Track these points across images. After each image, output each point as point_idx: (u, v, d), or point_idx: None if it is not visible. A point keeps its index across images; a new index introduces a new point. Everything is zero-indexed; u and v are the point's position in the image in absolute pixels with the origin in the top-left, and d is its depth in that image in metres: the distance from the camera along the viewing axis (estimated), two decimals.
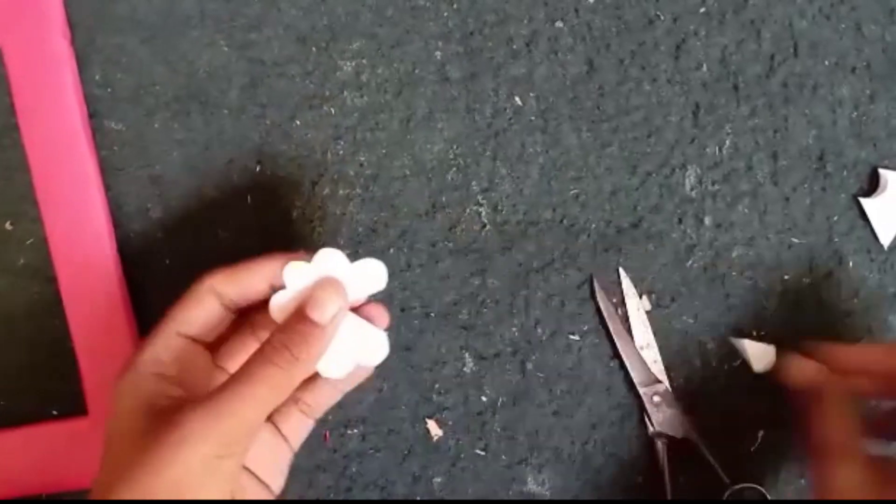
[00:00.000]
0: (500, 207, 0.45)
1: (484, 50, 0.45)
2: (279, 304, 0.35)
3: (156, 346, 0.35)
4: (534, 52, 0.45)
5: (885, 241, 0.45)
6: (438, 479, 0.45)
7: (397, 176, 0.45)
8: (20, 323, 0.43)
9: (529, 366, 0.45)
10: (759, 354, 0.45)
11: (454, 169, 0.45)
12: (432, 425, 0.45)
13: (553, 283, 0.45)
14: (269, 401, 0.32)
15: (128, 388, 0.34)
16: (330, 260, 0.35)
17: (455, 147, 0.45)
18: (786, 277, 0.46)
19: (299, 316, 0.34)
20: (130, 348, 0.42)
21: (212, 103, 0.44)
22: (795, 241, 0.46)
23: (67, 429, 0.43)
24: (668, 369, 0.45)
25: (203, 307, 0.36)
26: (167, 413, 0.31)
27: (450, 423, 0.45)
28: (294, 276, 0.35)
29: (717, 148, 0.46)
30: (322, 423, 0.44)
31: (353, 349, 0.36)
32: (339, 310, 0.34)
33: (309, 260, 0.35)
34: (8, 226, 0.43)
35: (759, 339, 0.45)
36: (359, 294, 0.36)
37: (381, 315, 0.37)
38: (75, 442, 0.43)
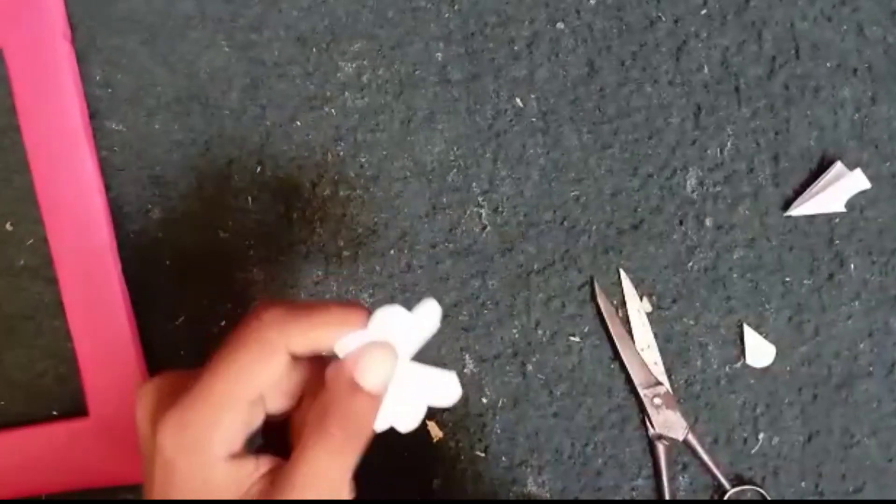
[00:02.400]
0: (500, 209, 0.45)
1: (485, 51, 0.45)
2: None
3: (229, 426, 0.31)
4: (535, 53, 0.45)
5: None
6: (438, 481, 0.45)
7: (398, 177, 0.45)
8: (20, 323, 0.43)
9: (530, 367, 0.45)
10: (758, 350, 0.45)
11: (455, 170, 0.45)
12: (433, 427, 0.45)
13: (553, 285, 0.45)
14: (338, 479, 0.31)
15: (196, 471, 0.30)
16: (388, 318, 0.32)
17: (455, 148, 0.45)
18: (787, 279, 0.46)
19: (347, 388, 0.31)
20: (130, 349, 0.42)
21: (212, 104, 0.44)
22: (796, 242, 0.46)
23: (67, 429, 0.43)
24: (668, 371, 0.45)
25: (275, 368, 0.31)
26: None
27: (450, 424, 0.45)
28: (350, 346, 0.32)
29: (718, 149, 0.45)
30: None
31: (421, 395, 0.34)
32: (391, 374, 0.32)
33: (365, 322, 0.32)
34: (8, 226, 0.43)
35: None
36: (419, 340, 0.33)
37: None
38: (75, 442, 0.43)
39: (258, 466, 0.32)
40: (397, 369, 0.33)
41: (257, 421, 0.32)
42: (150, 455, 0.31)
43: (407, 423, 0.34)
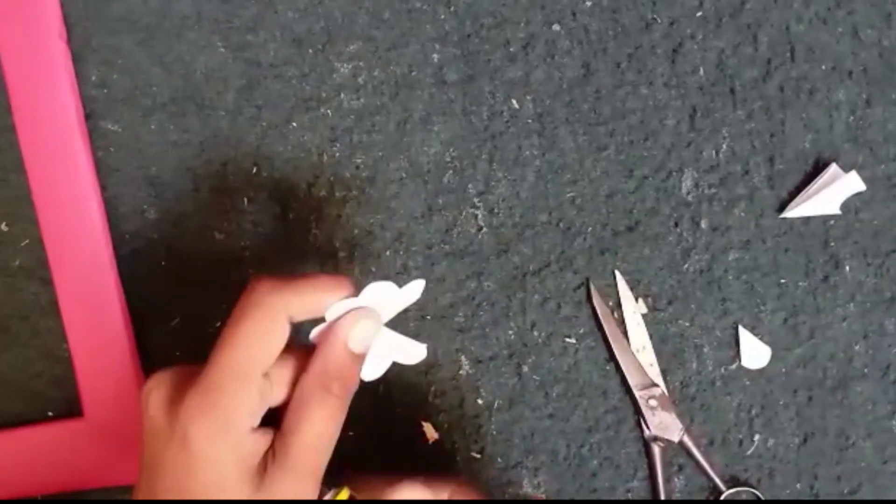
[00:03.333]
0: (496, 210, 0.45)
1: (481, 53, 0.45)
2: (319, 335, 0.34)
3: (251, 398, 0.32)
4: (530, 55, 0.45)
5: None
6: None
7: (394, 178, 0.45)
8: (15, 324, 0.43)
9: (525, 369, 0.45)
10: (754, 351, 0.45)
11: (450, 171, 0.45)
12: (428, 428, 0.45)
13: (549, 286, 0.45)
14: (335, 436, 0.33)
15: (228, 448, 0.31)
16: (377, 293, 0.34)
17: (451, 150, 0.45)
18: (782, 281, 0.46)
19: (343, 353, 0.33)
20: (126, 350, 0.42)
21: (208, 105, 0.44)
22: (791, 244, 0.46)
23: (63, 430, 0.43)
24: (664, 373, 0.45)
25: (282, 337, 0.32)
26: (263, 470, 0.32)
27: (446, 425, 0.45)
28: (338, 313, 0.34)
29: (713, 151, 0.46)
30: None
31: (389, 354, 0.36)
32: (375, 336, 0.35)
33: (356, 292, 0.34)
34: (3, 227, 0.43)
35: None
36: (399, 309, 0.36)
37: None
38: (71, 443, 0.43)
39: (267, 436, 0.33)
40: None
41: (269, 395, 0.33)
42: (163, 445, 0.31)
43: (367, 373, 0.36)
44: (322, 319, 0.34)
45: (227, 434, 0.31)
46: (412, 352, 0.37)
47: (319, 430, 0.33)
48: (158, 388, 0.32)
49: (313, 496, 0.33)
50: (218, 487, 0.31)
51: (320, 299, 0.33)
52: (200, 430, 0.31)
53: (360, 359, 0.34)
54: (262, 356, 0.32)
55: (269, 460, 0.32)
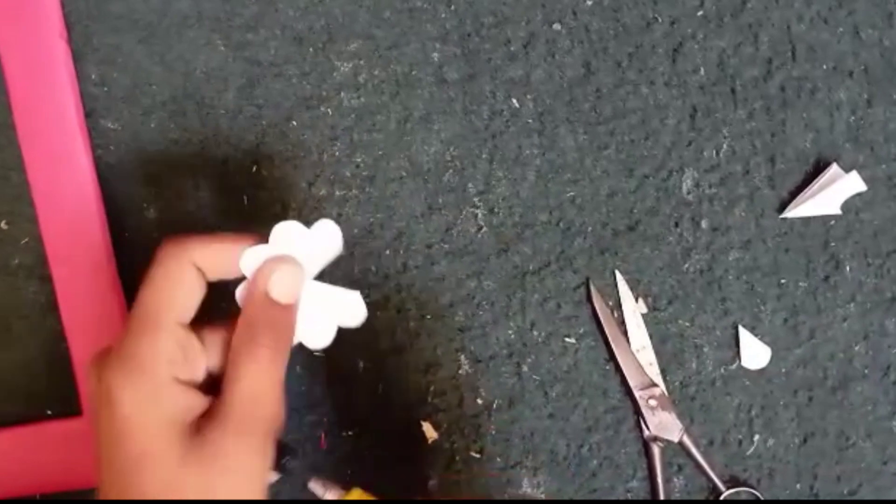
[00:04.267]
0: (496, 210, 0.45)
1: (481, 52, 0.45)
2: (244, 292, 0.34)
3: (165, 344, 0.31)
4: (531, 54, 0.45)
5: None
6: (433, 482, 0.45)
7: (393, 177, 0.45)
8: (14, 322, 0.43)
9: (525, 368, 0.45)
10: (754, 352, 0.45)
11: (451, 171, 0.45)
12: (427, 427, 0.45)
13: (549, 286, 0.45)
14: (274, 391, 0.32)
15: (148, 399, 0.30)
16: (286, 234, 0.33)
17: (452, 149, 0.45)
18: (782, 281, 0.46)
19: (265, 301, 0.32)
20: None
21: (208, 103, 0.44)
22: (792, 244, 0.46)
23: (62, 429, 0.43)
24: (663, 372, 0.45)
25: (192, 286, 0.32)
26: (197, 433, 0.30)
27: (445, 425, 0.45)
28: (253, 262, 0.33)
29: (714, 151, 0.45)
30: (318, 425, 0.44)
31: (330, 314, 0.35)
32: (300, 285, 0.33)
33: (266, 240, 0.34)
34: (3, 225, 0.43)
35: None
36: (322, 260, 0.35)
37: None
38: (70, 442, 0.43)
39: (206, 400, 0.32)
40: (303, 287, 0.34)
41: (193, 349, 0.32)
42: (97, 411, 0.31)
43: (317, 340, 0.35)
44: (244, 280, 0.33)
45: (144, 383, 0.30)
46: (352, 307, 0.35)
47: (252, 383, 0.31)
48: (95, 359, 0.32)
49: (259, 460, 0.31)
50: (143, 453, 0.30)
51: (226, 248, 0.33)
52: (118, 382, 0.30)
53: (287, 308, 0.33)
54: (171, 302, 0.32)
55: (203, 423, 0.31)
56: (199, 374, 0.33)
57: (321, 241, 0.34)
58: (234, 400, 0.31)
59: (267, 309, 0.32)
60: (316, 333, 0.35)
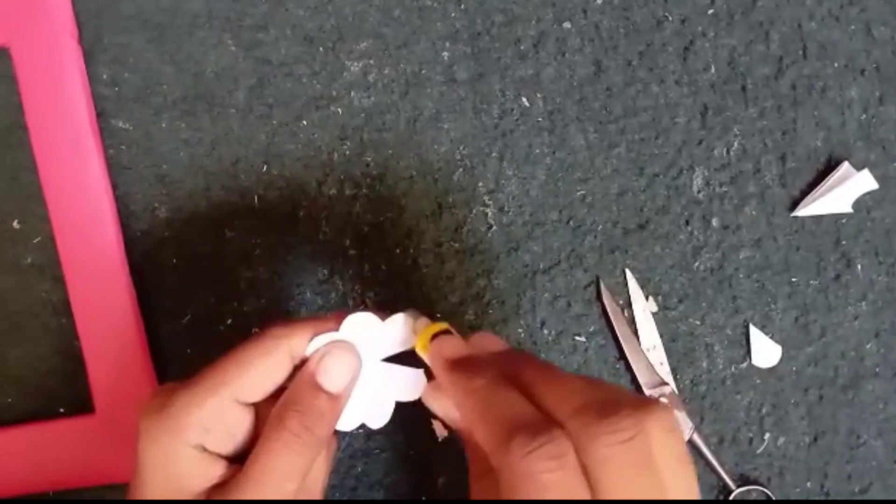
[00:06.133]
0: (506, 208, 0.45)
1: (491, 51, 0.45)
2: None
3: (205, 413, 0.30)
4: (541, 52, 0.45)
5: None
6: (443, 479, 0.45)
7: (403, 176, 0.45)
8: (27, 321, 0.44)
9: None
10: (764, 350, 0.45)
11: (460, 170, 0.45)
12: (437, 425, 0.45)
13: (559, 285, 0.45)
14: (291, 481, 0.31)
15: (166, 458, 0.30)
16: (358, 325, 0.33)
17: (461, 148, 0.45)
18: (793, 280, 0.45)
19: (309, 384, 0.32)
20: (137, 347, 0.42)
21: (219, 103, 0.44)
22: (803, 243, 0.45)
23: (74, 427, 0.43)
24: (674, 371, 0.45)
25: (275, 372, 0.32)
26: (208, 498, 0.30)
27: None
28: (316, 347, 0.33)
29: (724, 149, 0.45)
30: None
31: (391, 392, 0.34)
32: (353, 376, 0.33)
33: (337, 328, 0.33)
34: (15, 224, 0.44)
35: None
36: (392, 350, 0.34)
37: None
38: (82, 439, 0.43)
39: (231, 470, 0.31)
40: (366, 369, 0.33)
41: (239, 425, 0.32)
42: (135, 438, 0.31)
43: (377, 420, 0.34)
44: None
45: (169, 442, 0.30)
46: (412, 384, 0.34)
47: (269, 462, 0.30)
48: (155, 392, 0.32)
49: None
50: (141, 490, 0.30)
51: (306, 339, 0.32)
52: (149, 430, 0.30)
53: (333, 397, 0.32)
54: (240, 380, 0.31)
55: (216, 491, 0.31)
56: (235, 448, 0.32)
57: (394, 333, 0.33)
58: (246, 476, 0.31)
59: (309, 392, 0.32)
60: (376, 413, 0.34)
